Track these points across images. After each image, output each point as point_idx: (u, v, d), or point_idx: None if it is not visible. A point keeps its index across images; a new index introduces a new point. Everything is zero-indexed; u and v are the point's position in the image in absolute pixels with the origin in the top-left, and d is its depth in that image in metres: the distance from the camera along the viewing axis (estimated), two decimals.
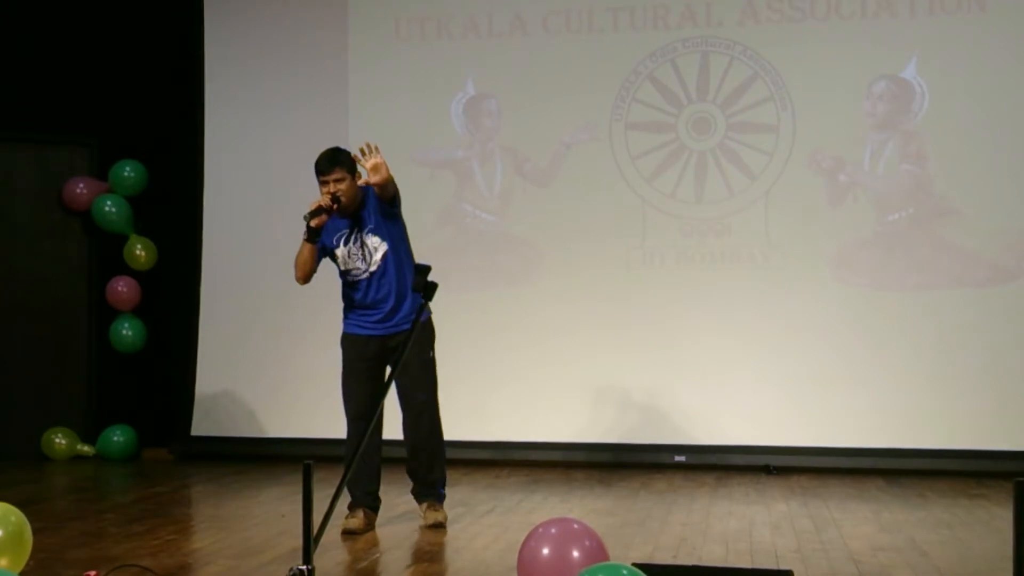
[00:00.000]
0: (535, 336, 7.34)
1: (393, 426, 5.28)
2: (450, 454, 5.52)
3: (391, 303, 5.13)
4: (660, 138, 7.33)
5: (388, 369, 5.19)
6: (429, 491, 5.34)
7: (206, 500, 6.34)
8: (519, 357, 7.34)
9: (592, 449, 7.25)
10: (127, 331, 7.83)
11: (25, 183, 7.90)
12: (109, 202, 7.79)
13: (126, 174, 7.85)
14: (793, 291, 7.11)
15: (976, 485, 6.41)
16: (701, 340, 7.17)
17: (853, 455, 6.95)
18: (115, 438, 7.71)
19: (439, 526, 5.23)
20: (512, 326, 7.39)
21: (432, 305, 5.18)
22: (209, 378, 7.79)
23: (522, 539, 3.61)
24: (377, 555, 4.75)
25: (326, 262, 5.22)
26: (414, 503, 5.56)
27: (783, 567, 4.35)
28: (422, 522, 5.29)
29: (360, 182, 5.06)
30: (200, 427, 7.79)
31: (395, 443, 5.36)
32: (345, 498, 4.97)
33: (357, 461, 4.89)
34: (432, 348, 5.25)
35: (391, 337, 5.12)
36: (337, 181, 5.00)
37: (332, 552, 4.71)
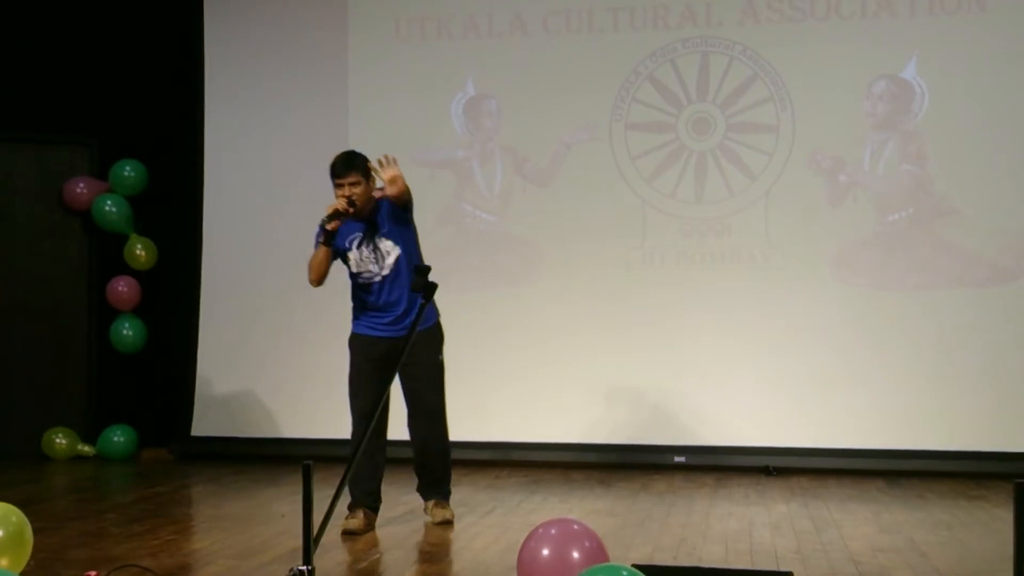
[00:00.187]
0: (535, 336, 7.34)
1: (395, 427, 5.29)
2: (451, 454, 5.53)
3: (403, 306, 5.19)
4: (660, 138, 7.33)
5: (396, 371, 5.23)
6: (435, 489, 5.41)
7: (206, 500, 6.35)
8: (519, 357, 7.34)
9: (592, 450, 7.26)
10: (127, 331, 7.84)
11: (25, 183, 7.91)
12: (109, 202, 7.79)
13: (126, 174, 7.86)
14: (793, 291, 7.11)
15: (976, 486, 6.41)
16: (701, 340, 7.17)
17: (853, 456, 6.95)
18: (115, 438, 7.71)
19: (447, 523, 5.29)
20: (512, 326, 7.39)
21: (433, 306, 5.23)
22: (209, 378, 7.80)
23: (522, 540, 3.61)
24: (377, 555, 4.75)
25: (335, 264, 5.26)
26: (415, 503, 5.57)
27: (783, 568, 4.35)
28: (429, 520, 5.33)
29: (377, 194, 5.12)
30: (200, 427, 7.79)
31: (396, 444, 5.37)
32: (345, 498, 4.98)
33: (358, 461, 4.89)
34: (442, 351, 5.33)
35: (400, 339, 5.14)
36: (352, 185, 5.06)
37: (332, 552, 4.71)
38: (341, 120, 7.65)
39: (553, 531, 3.54)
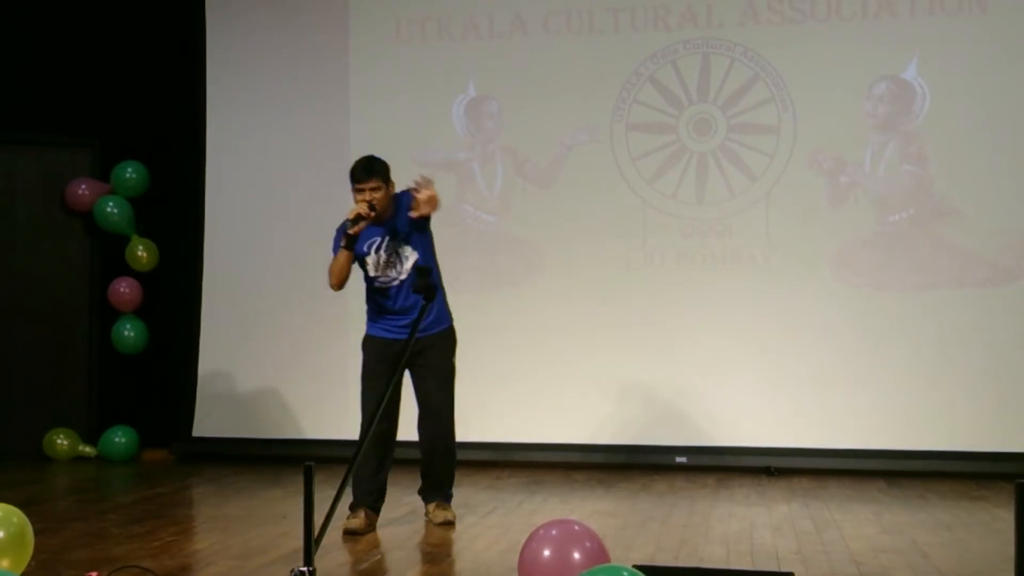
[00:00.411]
0: (535, 336, 7.34)
1: (405, 429, 5.30)
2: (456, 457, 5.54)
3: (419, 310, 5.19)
4: (661, 139, 7.33)
5: (407, 374, 5.28)
6: (438, 491, 5.43)
7: (207, 501, 6.35)
8: (520, 357, 7.34)
9: (593, 450, 7.26)
10: (129, 332, 7.84)
11: (27, 184, 7.91)
12: (111, 203, 7.80)
13: (128, 175, 7.86)
14: (793, 291, 7.12)
15: (977, 487, 6.42)
16: (702, 340, 7.18)
17: (854, 456, 6.95)
18: (116, 439, 7.71)
19: (449, 524, 5.30)
20: (513, 326, 7.39)
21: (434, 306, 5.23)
22: (210, 379, 7.80)
23: (523, 540, 3.62)
24: (378, 556, 4.75)
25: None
26: (416, 504, 5.57)
27: (784, 569, 4.35)
28: (431, 520, 5.34)
29: (413, 215, 5.09)
30: (201, 428, 7.79)
31: (401, 444, 5.36)
32: (347, 498, 4.98)
33: (359, 461, 4.89)
34: (455, 355, 5.36)
35: (418, 341, 5.15)
36: (373, 190, 5.09)
37: (333, 553, 4.71)
38: (342, 122, 7.65)
39: (554, 532, 3.54)
